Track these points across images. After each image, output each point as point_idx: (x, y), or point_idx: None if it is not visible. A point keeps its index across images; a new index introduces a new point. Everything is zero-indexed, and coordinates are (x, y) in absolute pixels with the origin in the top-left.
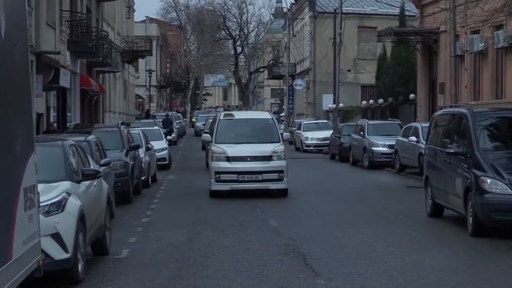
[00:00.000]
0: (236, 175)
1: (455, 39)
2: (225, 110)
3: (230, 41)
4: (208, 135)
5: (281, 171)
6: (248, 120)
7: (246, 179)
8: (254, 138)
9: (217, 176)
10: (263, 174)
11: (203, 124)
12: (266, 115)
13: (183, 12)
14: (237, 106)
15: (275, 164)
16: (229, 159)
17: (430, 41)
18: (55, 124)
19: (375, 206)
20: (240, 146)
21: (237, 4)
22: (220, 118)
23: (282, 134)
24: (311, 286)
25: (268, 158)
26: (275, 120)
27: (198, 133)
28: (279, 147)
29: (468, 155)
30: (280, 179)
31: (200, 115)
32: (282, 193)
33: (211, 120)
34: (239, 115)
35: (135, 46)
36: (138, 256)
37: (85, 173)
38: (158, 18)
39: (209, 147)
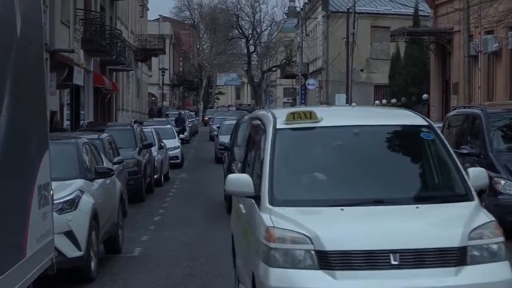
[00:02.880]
0: None
1: (469, 40)
2: (240, 108)
3: (243, 40)
4: (237, 177)
5: None
6: (362, 129)
7: None
8: (391, 187)
9: None
10: None
11: (217, 127)
12: (408, 117)
13: (196, 10)
14: (249, 105)
15: (478, 277)
16: (328, 261)
17: (443, 41)
18: (59, 119)
19: None
20: (355, 214)
21: (250, 3)
22: (278, 126)
23: (467, 173)
24: None
25: (457, 256)
26: (438, 131)
27: (213, 138)
28: (479, 219)
29: (482, 156)
30: None
31: (217, 116)
32: None
33: (228, 123)
34: (330, 116)
35: (149, 44)
36: (150, 254)
37: (98, 171)
38: (172, 17)
39: (244, 210)
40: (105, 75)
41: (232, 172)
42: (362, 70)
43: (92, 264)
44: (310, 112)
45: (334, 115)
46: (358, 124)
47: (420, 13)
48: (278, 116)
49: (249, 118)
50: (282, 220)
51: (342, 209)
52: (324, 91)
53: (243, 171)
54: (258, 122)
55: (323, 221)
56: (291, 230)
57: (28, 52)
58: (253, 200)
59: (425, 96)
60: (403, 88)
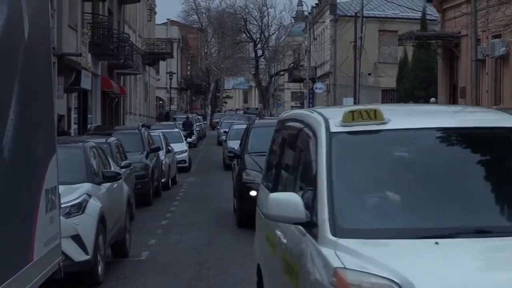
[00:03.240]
0: None
1: (476, 44)
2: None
3: (251, 44)
4: (283, 198)
5: None
6: (446, 133)
7: None
8: (496, 211)
9: None
10: None
11: (225, 132)
12: (504, 117)
13: (204, 14)
14: (257, 109)
15: None
16: None
17: (451, 45)
18: (65, 123)
19: None
20: (457, 250)
21: (258, 7)
22: (332, 130)
23: None
24: None
25: None
26: None
27: (221, 142)
28: None
29: None
30: None
31: (225, 120)
32: None
33: (236, 128)
34: (399, 115)
35: (156, 48)
36: (157, 258)
37: (106, 175)
38: (179, 21)
39: (284, 239)
40: (112, 79)
41: (243, 181)
42: (369, 74)
43: (99, 268)
44: (375, 111)
45: (405, 115)
46: (440, 127)
47: (428, 17)
48: (330, 116)
49: (282, 120)
50: (355, 257)
51: (436, 243)
52: (332, 95)
53: (273, 188)
54: (299, 124)
55: (415, 260)
56: (371, 273)
57: (35, 56)
58: (302, 228)
59: (432, 100)
60: (410, 92)
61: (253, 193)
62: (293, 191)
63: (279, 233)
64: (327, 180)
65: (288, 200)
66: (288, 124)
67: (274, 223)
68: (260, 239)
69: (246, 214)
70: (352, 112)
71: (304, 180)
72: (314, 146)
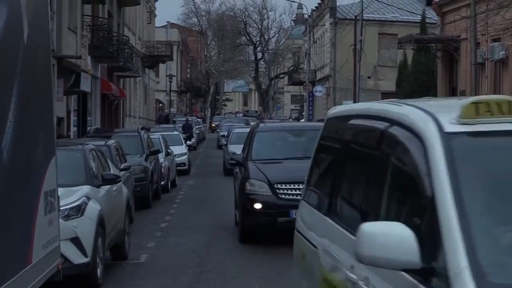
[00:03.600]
0: None
1: (476, 47)
2: (243, 113)
3: (251, 47)
4: (388, 233)
5: None
6: None
7: None
8: None
9: None
10: None
11: (224, 136)
12: None
13: (204, 17)
14: (256, 112)
15: None
16: None
17: (450, 49)
18: (65, 126)
19: None
20: None
21: (258, 10)
22: (448, 129)
23: None
24: None
25: None
26: None
27: (221, 146)
28: None
29: None
30: None
31: (225, 123)
32: None
33: (238, 131)
34: None
35: (156, 51)
36: (156, 261)
37: (105, 177)
38: (179, 24)
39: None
40: (112, 81)
41: (246, 192)
42: (369, 77)
43: (98, 271)
44: (509, 103)
45: None
46: None
47: (428, 20)
48: (436, 111)
49: (336, 118)
50: None
51: None
52: (332, 98)
53: (328, 210)
54: (379, 123)
55: None
56: None
57: (35, 58)
58: (409, 277)
59: None
60: (410, 96)
61: (257, 205)
62: (378, 219)
63: (353, 276)
64: (456, 207)
65: (395, 235)
66: (352, 123)
67: (344, 259)
68: (309, 280)
69: (249, 229)
70: (476, 103)
71: (405, 204)
72: (420, 154)
